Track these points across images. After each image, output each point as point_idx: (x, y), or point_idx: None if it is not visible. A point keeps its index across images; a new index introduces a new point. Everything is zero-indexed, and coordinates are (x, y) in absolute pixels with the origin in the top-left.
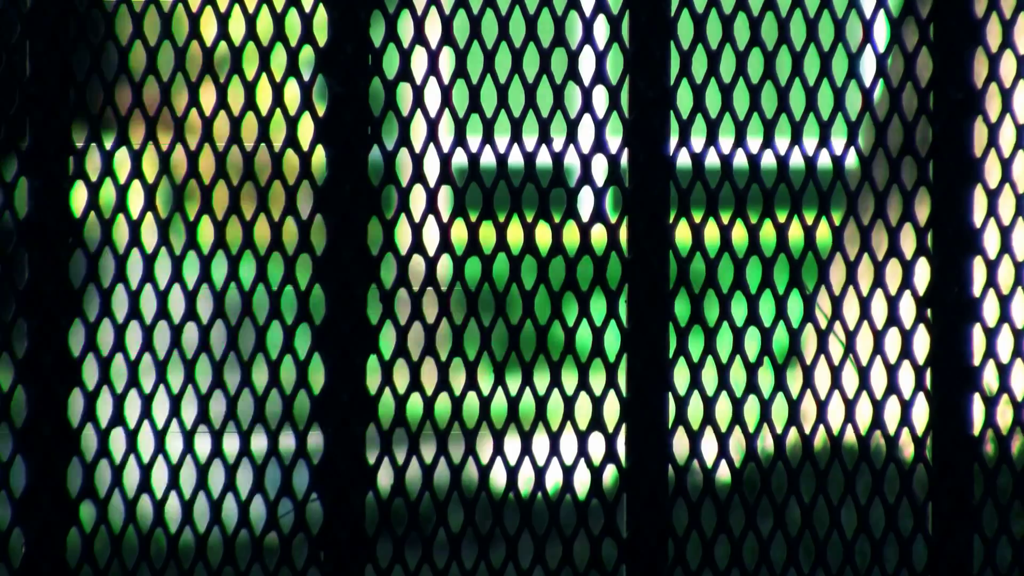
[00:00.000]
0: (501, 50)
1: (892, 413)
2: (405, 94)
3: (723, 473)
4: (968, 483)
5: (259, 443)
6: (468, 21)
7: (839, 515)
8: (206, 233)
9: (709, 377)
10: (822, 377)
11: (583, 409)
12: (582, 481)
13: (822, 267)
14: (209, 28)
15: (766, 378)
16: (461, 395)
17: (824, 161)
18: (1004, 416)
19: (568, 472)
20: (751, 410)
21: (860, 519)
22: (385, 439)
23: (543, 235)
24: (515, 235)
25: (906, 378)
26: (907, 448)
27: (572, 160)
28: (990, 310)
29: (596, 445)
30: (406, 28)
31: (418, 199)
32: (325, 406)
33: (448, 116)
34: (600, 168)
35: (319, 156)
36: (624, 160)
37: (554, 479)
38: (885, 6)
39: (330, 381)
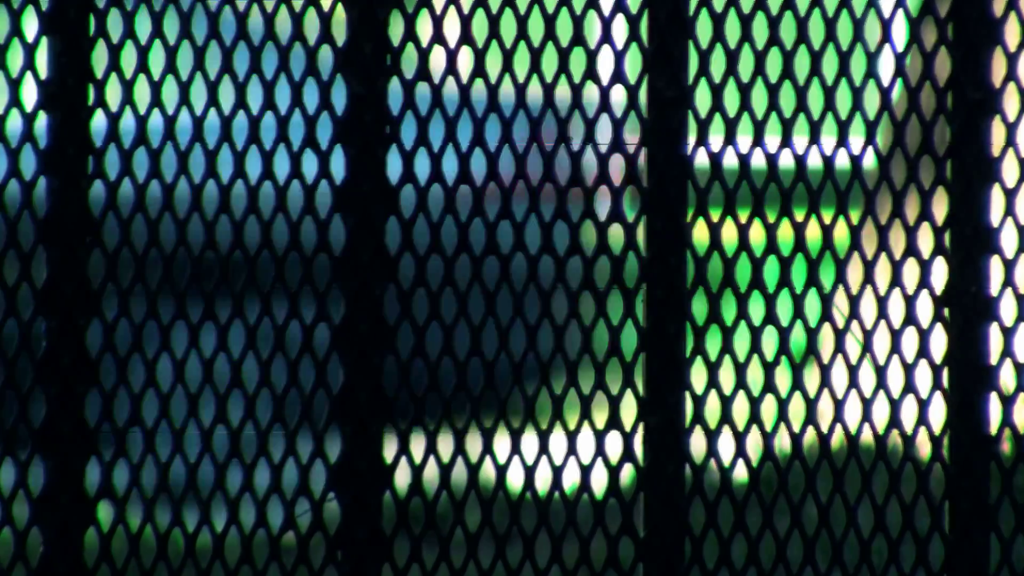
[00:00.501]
0: (519, 49)
1: (909, 412)
2: (424, 93)
3: (740, 472)
4: (985, 482)
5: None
6: (487, 20)
7: (856, 514)
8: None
9: (726, 376)
10: (839, 376)
11: (600, 408)
12: (599, 480)
13: (839, 266)
14: (228, 28)
15: (783, 377)
16: (479, 395)
17: (842, 160)
18: (1021, 415)
19: (585, 471)
20: (768, 409)
21: (877, 518)
22: (402, 438)
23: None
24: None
25: (923, 377)
26: (924, 447)
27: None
28: (1007, 309)
29: (613, 444)
30: (425, 27)
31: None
32: (343, 406)
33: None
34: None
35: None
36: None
37: (571, 478)
38: (904, 5)
39: (348, 381)
